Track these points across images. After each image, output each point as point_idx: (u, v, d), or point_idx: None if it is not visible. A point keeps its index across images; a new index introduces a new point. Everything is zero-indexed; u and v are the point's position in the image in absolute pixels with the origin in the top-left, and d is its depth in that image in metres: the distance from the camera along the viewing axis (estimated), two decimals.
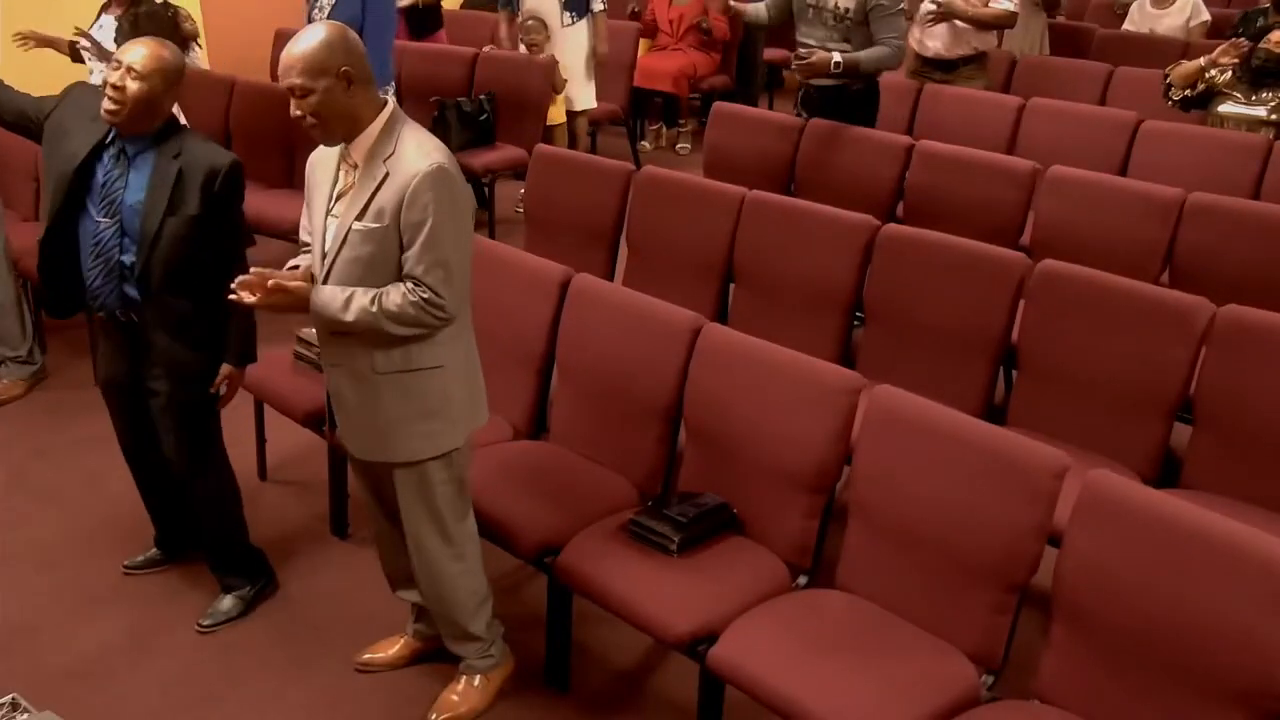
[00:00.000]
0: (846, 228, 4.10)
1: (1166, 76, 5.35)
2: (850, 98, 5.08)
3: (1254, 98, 5.14)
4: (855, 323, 4.14)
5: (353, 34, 2.73)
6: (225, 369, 3.31)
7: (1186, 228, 4.29)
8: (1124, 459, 3.37)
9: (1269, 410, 3.24)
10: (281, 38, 6.84)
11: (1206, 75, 5.22)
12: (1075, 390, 3.56)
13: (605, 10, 6.69)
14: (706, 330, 3.31)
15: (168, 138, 3.16)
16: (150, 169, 3.13)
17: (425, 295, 2.67)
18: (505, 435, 3.63)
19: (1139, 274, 3.88)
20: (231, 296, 2.71)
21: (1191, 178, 4.56)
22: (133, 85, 3.06)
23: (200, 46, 6.75)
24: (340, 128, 2.70)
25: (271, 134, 5.73)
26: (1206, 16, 6.79)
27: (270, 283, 2.69)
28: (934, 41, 5.69)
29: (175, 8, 5.43)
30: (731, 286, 4.42)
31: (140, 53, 3.10)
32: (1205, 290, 3.55)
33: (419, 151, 2.68)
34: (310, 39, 2.64)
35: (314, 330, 2.92)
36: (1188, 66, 5.27)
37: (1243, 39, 5.22)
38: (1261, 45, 5.11)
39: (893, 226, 4.14)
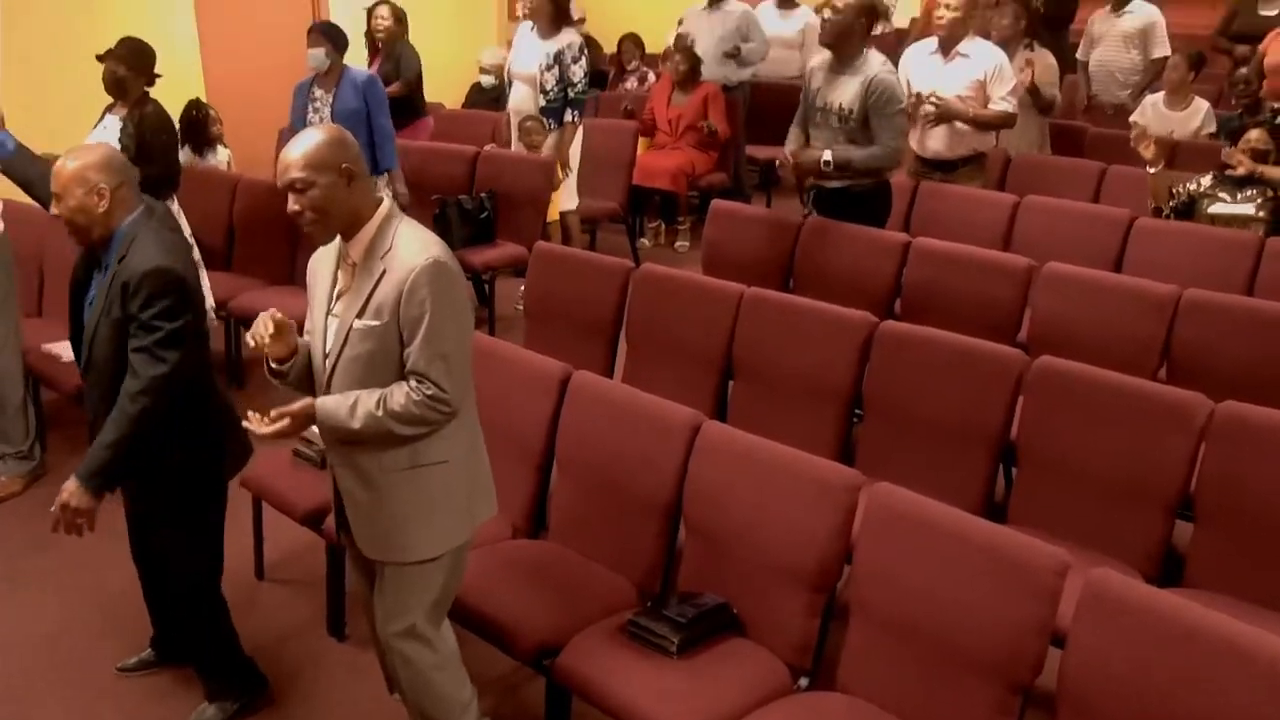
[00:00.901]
0: (845, 324, 4.12)
1: (1143, 148, 5.43)
2: (861, 198, 5.11)
3: (1239, 195, 5.21)
4: (854, 418, 4.15)
5: (350, 136, 2.77)
6: (67, 486, 3.06)
7: (1183, 324, 4.31)
8: (1126, 556, 3.35)
9: (1271, 508, 3.22)
10: (285, 136, 6.93)
11: (1175, 190, 5.30)
12: (1076, 486, 3.55)
13: (576, 123, 6.72)
14: (706, 427, 3.31)
15: (122, 242, 3.08)
16: (104, 275, 3.12)
17: (429, 392, 2.67)
18: (504, 533, 3.61)
19: (1137, 370, 3.90)
20: (244, 424, 2.73)
21: (1186, 274, 4.59)
22: (64, 208, 3.06)
23: (227, 147, 6.88)
24: (339, 224, 2.73)
25: (274, 231, 5.79)
26: (1213, 128, 6.88)
27: (273, 413, 2.71)
28: (934, 142, 5.77)
29: (206, 108, 5.51)
30: (731, 382, 4.43)
31: (59, 179, 3.07)
32: (1203, 386, 3.55)
33: (415, 247, 2.70)
34: (313, 137, 2.69)
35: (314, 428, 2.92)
36: (1154, 184, 5.37)
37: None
38: (1240, 146, 5.19)
39: (891, 323, 4.16)
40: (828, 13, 4.95)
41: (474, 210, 6.42)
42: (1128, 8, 7.60)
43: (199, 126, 6.67)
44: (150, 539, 3.36)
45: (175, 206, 5.28)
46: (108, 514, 3.50)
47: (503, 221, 6.50)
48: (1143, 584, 2.88)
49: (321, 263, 2.90)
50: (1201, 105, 6.93)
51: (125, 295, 3.00)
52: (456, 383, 2.72)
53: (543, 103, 6.56)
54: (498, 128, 7.42)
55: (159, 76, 5.30)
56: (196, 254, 4.83)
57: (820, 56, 5.18)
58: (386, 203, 2.80)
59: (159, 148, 5.14)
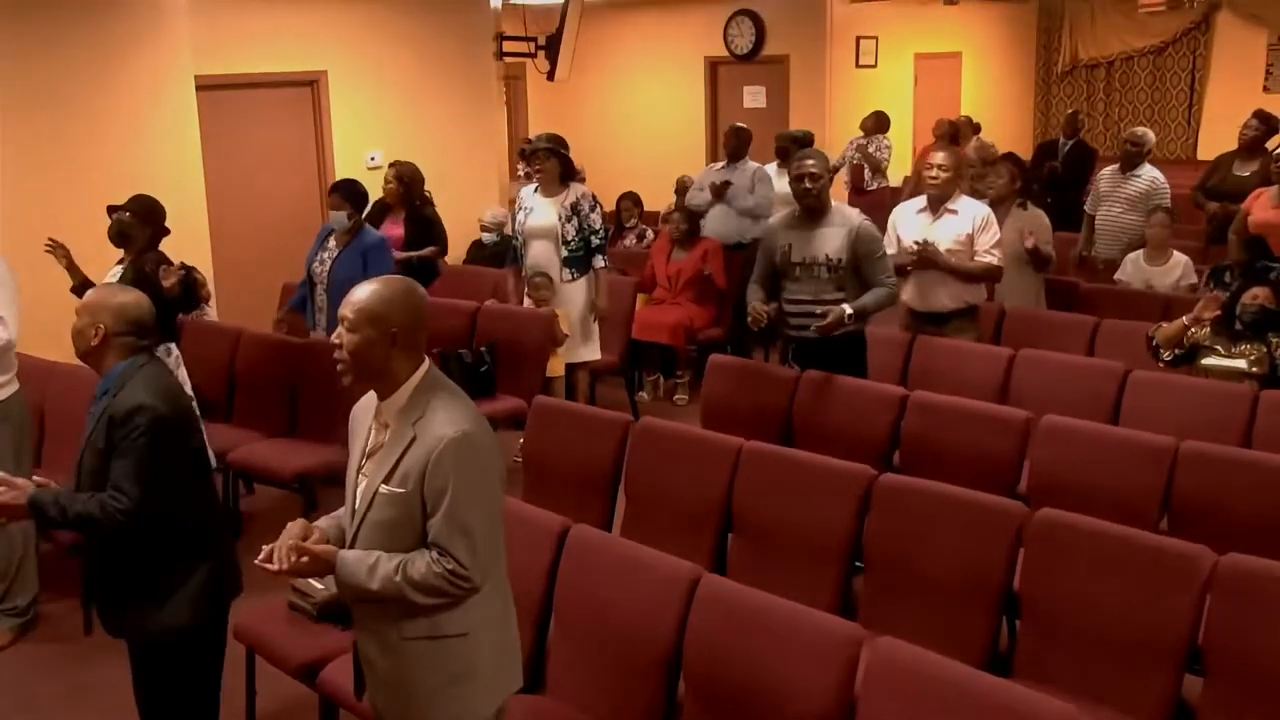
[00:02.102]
0: (843, 477, 4.12)
1: (1152, 339, 5.47)
2: (840, 347, 5.20)
3: (1234, 350, 5.26)
4: (855, 571, 4.11)
5: (419, 297, 2.76)
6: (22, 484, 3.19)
7: (1182, 475, 4.30)
8: (1134, 711, 3.30)
9: (1279, 661, 3.18)
10: (288, 290, 7.04)
11: (1190, 333, 5.35)
12: (1081, 640, 3.51)
13: (607, 268, 6.90)
14: (705, 581, 3.28)
15: (116, 380, 3.19)
16: (98, 407, 3.21)
17: (450, 566, 2.63)
18: None
19: (1138, 521, 3.88)
20: (257, 560, 2.69)
21: (1182, 426, 4.60)
22: (73, 325, 3.25)
23: (210, 307, 7.00)
24: (369, 378, 2.72)
25: (274, 384, 5.83)
26: (1194, 278, 7.01)
27: (290, 543, 2.67)
28: (926, 295, 5.85)
29: (192, 269, 5.61)
30: (730, 536, 4.41)
31: (84, 298, 3.32)
32: (1205, 537, 3.54)
33: (447, 417, 2.67)
34: (379, 287, 2.71)
35: (311, 580, 2.89)
36: (1171, 328, 5.42)
37: (1218, 292, 5.37)
38: (1244, 303, 5.26)
39: (889, 476, 4.16)
40: (808, 182, 5.14)
41: (474, 364, 6.46)
42: (1136, 170, 7.81)
43: (191, 287, 6.76)
44: (151, 695, 3.30)
45: (175, 355, 5.34)
46: (90, 673, 3.46)
47: (503, 375, 6.54)
48: None
49: (360, 418, 2.88)
50: (1180, 259, 7.07)
51: (110, 428, 3.09)
52: (479, 559, 2.67)
53: (565, 254, 6.68)
54: (499, 284, 7.51)
55: (168, 231, 5.42)
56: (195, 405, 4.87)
57: (779, 215, 5.41)
58: (426, 368, 2.78)
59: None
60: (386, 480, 2.68)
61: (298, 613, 3.91)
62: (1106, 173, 8.05)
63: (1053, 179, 9.60)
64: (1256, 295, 5.26)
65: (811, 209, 5.20)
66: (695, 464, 4.51)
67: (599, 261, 6.80)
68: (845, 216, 5.20)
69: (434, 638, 2.72)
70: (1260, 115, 8.38)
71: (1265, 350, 5.18)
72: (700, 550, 4.26)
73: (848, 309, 5.04)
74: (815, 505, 4.13)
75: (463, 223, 8.86)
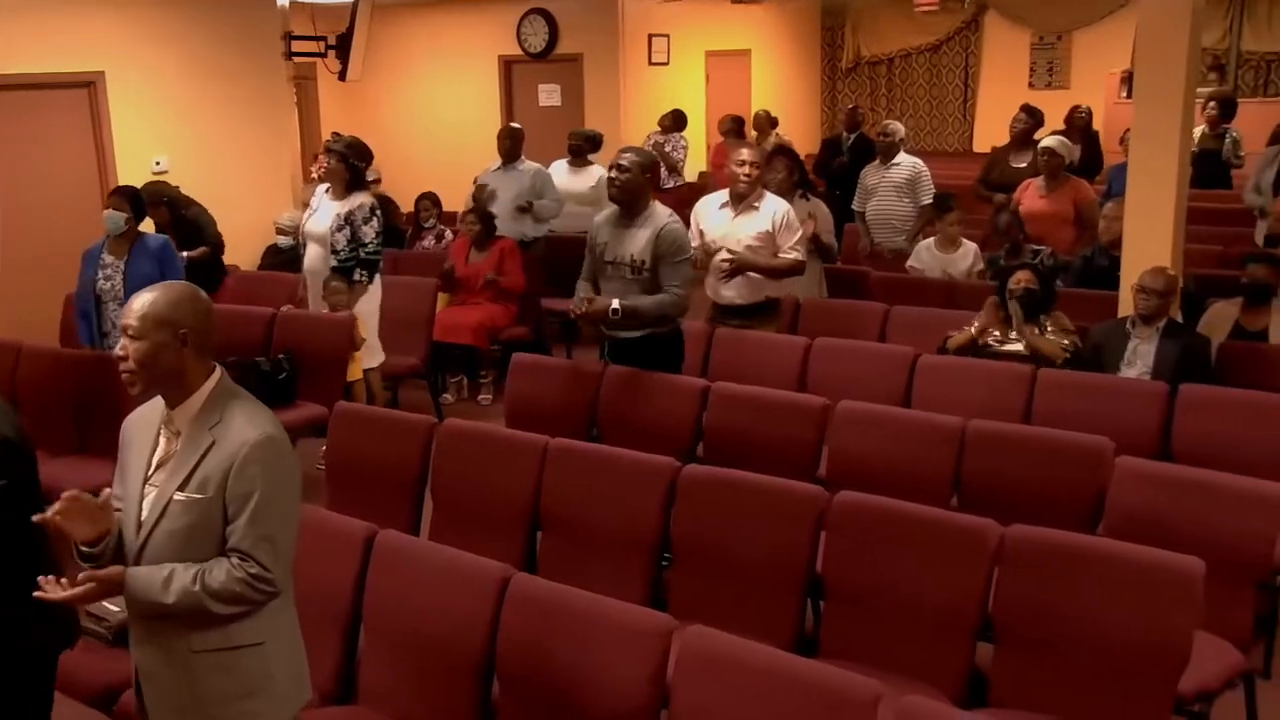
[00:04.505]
0: (648, 470, 4.17)
1: (944, 345, 5.70)
2: (655, 346, 5.23)
3: (1010, 334, 5.53)
4: (664, 563, 4.17)
5: (206, 301, 2.70)
6: None
7: (970, 453, 4.50)
8: (934, 681, 3.43)
9: (1062, 625, 3.36)
10: (71, 303, 6.72)
11: (979, 343, 5.61)
12: (882, 616, 3.63)
13: (364, 281, 6.68)
14: (515, 581, 3.28)
15: None
16: None
17: (254, 571, 2.56)
18: (312, 703, 3.46)
19: (931, 499, 4.05)
20: (36, 593, 2.55)
21: (969, 406, 4.82)
22: None
23: None
24: (160, 384, 2.63)
25: (60, 400, 5.55)
26: (982, 266, 7.33)
27: (80, 575, 2.55)
28: (730, 291, 5.95)
29: None
30: (539, 534, 4.41)
31: None
32: (993, 512, 3.71)
33: (249, 421, 2.62)
34: (162, 292, 2.63)
35: (104, 602, 2.77)
36: (961, 338, 5.66)
37: (995, 298, 5.65)
38: (1011, 284, 5.56)
39: (693, 467, 4.22)
40: (614, 172, 5.13)
41: (272, 371, 6.30)
42: (895, 160, 8.13)
43: None
44: None
45: None
46: None
47: (302, 382, 6.39)
48: (951, 708, 2.95)
49: (138, 427, 2.77)
50: (971, 247, 7.40)
51: None
52: (281, 564, 2.63)
53: (334, 263, 6.55)
54: (295, 289, 7.33)
55: None
56: None
57: (605, 212, 5.36)
58: (220, 373, 2.71)
59: None
60: (182, 487, 2.59)
61: (92, 638, 3.72)
62: (870, 168, 8.37)
63: (842, 173, 9.91)
64: (1020, 279, 5.55)
65: (620, 204, 5.17)
66: (501, 464, 4.49)
67: (358, 275, 6.64)
68: (657, 218, 5.11)
69: (227, 649, 2.65)
70: (1027, 109, 8.84)
71: (1037, 331, 5.47)
72: (510, 550, 4.25)
73: (614, 303, 4.99)
74: (622, 499, 4.17)
75: (255, 226, 8.62)
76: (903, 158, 8.21)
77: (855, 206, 8.38)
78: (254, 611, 2.64)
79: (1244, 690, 3.72)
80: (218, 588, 2.55)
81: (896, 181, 8.08)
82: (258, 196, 9.07)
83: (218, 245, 7.53)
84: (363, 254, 6.58)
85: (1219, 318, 5.85)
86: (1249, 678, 3.73)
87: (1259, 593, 3.88)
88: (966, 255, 7.35)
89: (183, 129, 8.97)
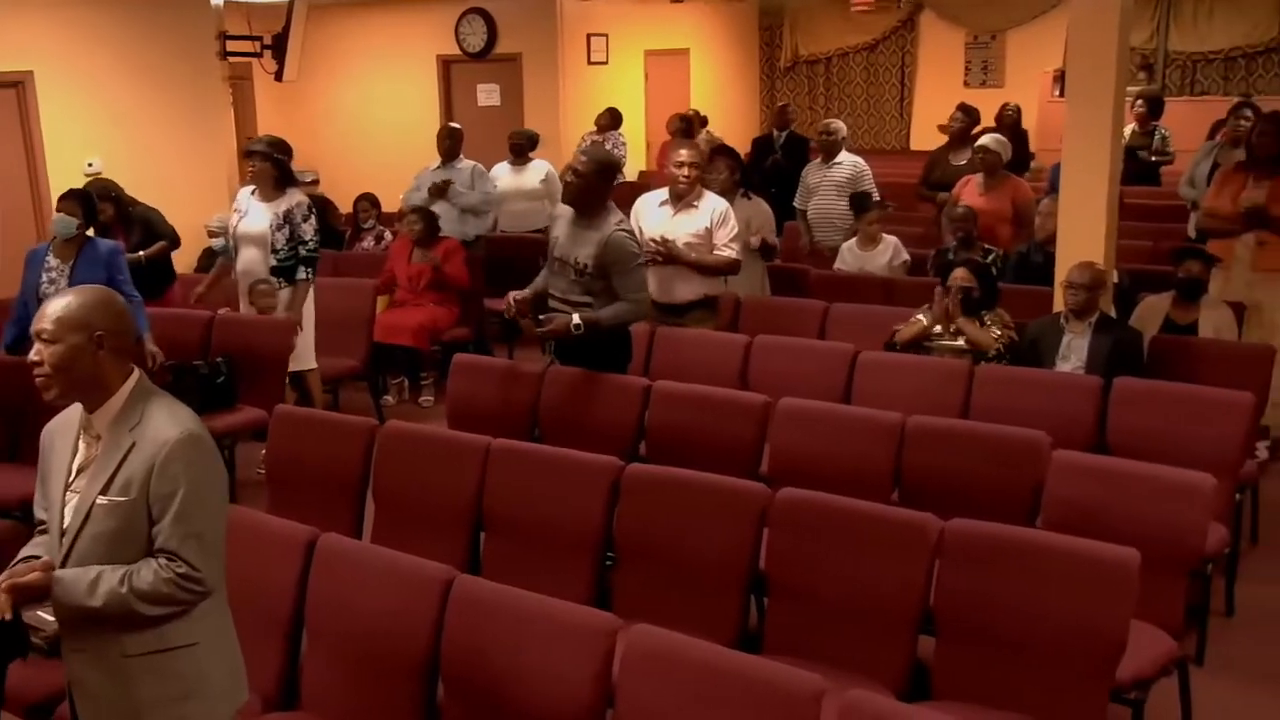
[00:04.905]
0: (591, 470, 4.17)
1: (893, 339, 5.73)
2: (603, 345, 5.21)
3: (952, 329, 5.59)
4: (608, 562, 4.17)
5: (120, 302, 2.68)
6: None
7: (910, 449, 4.54)
8: (877, 675, 3.46)
9: (1002, 617, 3.40)
10: (5, 307, 6.59)
11: (934, 333, 5.65)
12: (825, 612, 3.66)
13: (310, 280, 6.63)
14: (459, 582, 3.27)
15: None
16: None
17: (181, 570, 2.54)
18: (254, 709, 3.43)
19: (872, 494, 4.08)
20: None
21: (908, 402, 4.86)
22: None
23: None
24: (77, 389, 2.60)
25: None
26: (906, 256, 7.44)
27: (3, 585, 2.51)
28: (665, 287, 5.96)
29: None
30: (483, 535, 4.40)
31: None
32: (933, 506, 3.75)
33: (169, 420, 2.60)
34: (75, 296, 2.60)
35: (39, 613, 2.73)
36: (911, 330, 5.70)
37: (940, 289, 5.71)
38: (949, 282, 5.62)
39: (636, 466, 4.23)
40: (569, 175, 5.13)
41: (210, 375, 6.23)
42: (836, 159, 8.18)
43: None
44: None
45: None
46: None
47: (242, 385, 6.32)
48: (893, 701, 2.99)
49: (58, 434, 2.74)
50: (890, 240, 7.49)
51: None
52: (210, 562, 2.61)
53: (274, 262, 6.49)
54: (232, 292, 7.25)
55: None
56: None
57: (567, 207, 5.34)
58: (137, 375, 2.68)
59: None
60: (105, 491, 2.57)
61: (31, 650, 3.66)
62: (811, 166, 8.42)
63: (777, 171, 9.96)
64: (957, 277, 5.62)
65: (576, 209, 5.15)
66: (444, 465, 4.48)
67: (302, 273, 6.59)
68: (608, 224, 5.07)
69: (160, 651, 2.62)
70: (963, 108, 8.95)
71: (979, 326, 5.54)
72: (453, 551, 4.23)
73: (575, 319, 4.96)
74: (565, 499, 4.17)
75: (191, 229, 8.51)
76: (844, 156, 8.26)
77: (797, 205, 8.43)
78: (186, 612, 2.62)
79: (1178, 677, 3.79)
80: (146, 589, 2.53)
81: (838, 180, 8.13)
82: (194, 198, 8.95)
83: (174, 239, 7.47)
84: (304, 251, 6.53)
85: (1150, 312, 5.96)
86: (1183, 664, 3.80)
87: (1191, 581, 3.97)
88: (886, 251, 7.44)
89: (115, 130, 8.84)
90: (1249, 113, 8.04)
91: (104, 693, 2.65)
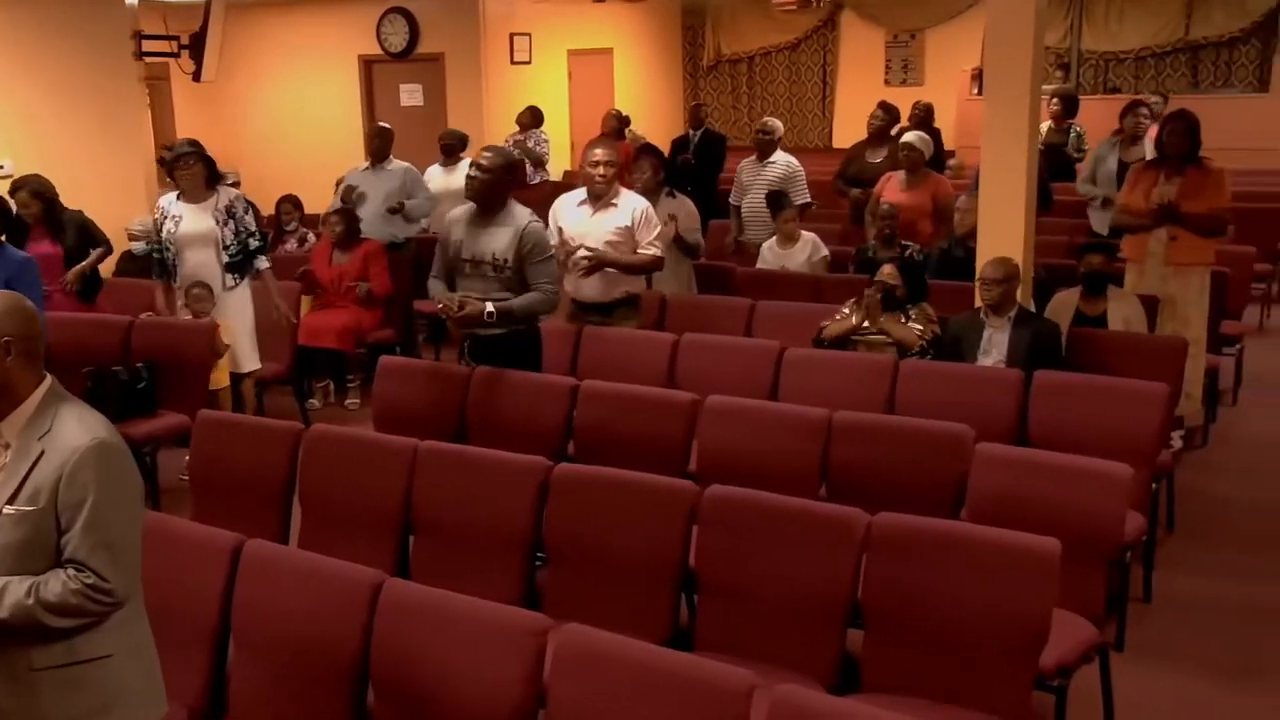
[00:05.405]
0: (520, 470, 4.16)
1: (820, 335, 5.78)
2: (516, 345, 5.24)
3: (880, 321, 5.66)
4: (538, 563, 4.17)
5: (29, 307, 2.62)
6: None
7: (836, 444, 4.59)
8: (807, 669, 3.49)
9: (928, 608, 3.45)
10: None
11: (862, 329, 5.71)
12: (755, 607, 3.69)
13: (271, 268, 6.68)
14: (388, 586, 3.25)
15: None
16: None
17: (90, 581, 2.48)
18: (180, 719, 3.39)
19: (800, 490, 4.11)
20: None
21: (834, 398, 4.91)
22: None
23: None
24: None
25: None
26: (825, 253, 7.51)
27: None
28: (588, 287, 5.97)
29: None
30: (412, 538, 4.37)
31: None
32: (860, 500, 3.80)
33: (79, 427, 2.55)
34: None
35: None
36: (838, 328, 5.76)
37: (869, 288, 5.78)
38: (876, 278, 5.70)
39: (565, 466, 4.23)
40: (475, 170, 5.12)
41: (131, 381, 6.13)
42: (771, 158, 8.23)
43: None
44: None
45: None
46: None
47: (164, 390, 6.23)
48: (823, 695, 3.01)
49: None
50: (809, 238, 7.57)
51: None
52: (122, 572, 2.55)
53: (226, 259, 6.43)
54: (154, 296, 7.13)
55: None
56: None
57: (459, 209, 5.37)
58: (49, 381, 2.63)
59: None
60: (12, 500, 2.52)
61: None
62: (746, 164, 8.46)
63: (686, 170, 9.98)
64: (885, 274, 5.70)
65: (479, 203, 5.17)
66: (371, 468, 4.44)
67: (263, 263, 6.60)
68: (517, 217, 5.14)
69: (71, 664, 2.56)
70: (884, 106, 9.05)
71: (904, 321, 5.62)
72: (382, 555, 4.21)
73: (488, 306, 4.99)
74: (494, 500, 4.16)
75: (109, 233, 8.35)
76: (779, 156, 8.28)
77: (732, 200, 8.46)
78: (98, 624, 2.57)
79: (1099, 663, 3.86)
80: (54, 600, 2.48)
81: (770, 179, 8.16)
82: (110, 202, 8.74)
83: (109, 245, 7.34)
84: (254, 243, 6.54)
85: (1061, 306, 6.08)
86: (1104, 651, 3.88)
87: (1110, 569, 4.05)
88: (805, 247, 7.51)
89: (26, 131, 8.65)
90: (1144, 110, 8.27)
91: (11, 707, 2.58)
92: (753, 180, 8.28)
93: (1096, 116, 10.82)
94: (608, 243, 5.83)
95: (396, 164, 8.48)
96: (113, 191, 8.92)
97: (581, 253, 5.79)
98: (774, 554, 3.67)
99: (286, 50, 12.94)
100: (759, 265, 7.62)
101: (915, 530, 3.55)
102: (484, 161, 5.11)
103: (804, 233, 7.60)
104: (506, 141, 11.10)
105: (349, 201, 8.22)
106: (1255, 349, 7.98)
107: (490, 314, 4.99)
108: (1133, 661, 4.34)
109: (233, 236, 6.46)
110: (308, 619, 3.32)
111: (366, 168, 8.51)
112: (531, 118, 11.14)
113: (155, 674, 2.78)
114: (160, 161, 7.45)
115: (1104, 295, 6.02)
